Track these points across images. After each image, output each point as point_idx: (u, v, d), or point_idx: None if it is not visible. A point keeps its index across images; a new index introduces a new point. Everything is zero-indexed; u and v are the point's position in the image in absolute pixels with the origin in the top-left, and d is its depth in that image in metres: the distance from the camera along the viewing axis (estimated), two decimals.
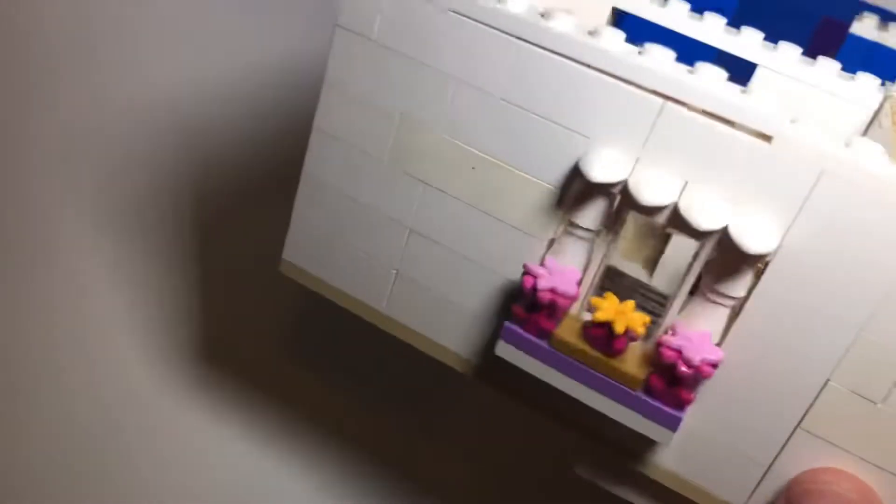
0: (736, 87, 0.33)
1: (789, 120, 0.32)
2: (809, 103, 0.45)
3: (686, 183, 0.34)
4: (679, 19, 0.47)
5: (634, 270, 0.46)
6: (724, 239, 0.34)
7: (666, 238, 0.46)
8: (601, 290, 0.43)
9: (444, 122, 0.38)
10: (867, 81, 0.45)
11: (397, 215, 0.40)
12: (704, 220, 0.32)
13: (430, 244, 0.40)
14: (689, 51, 0.73)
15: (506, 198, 0.38)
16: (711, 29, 0.47)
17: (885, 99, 0.43)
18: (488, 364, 0.41)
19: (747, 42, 0.46)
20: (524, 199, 0.37)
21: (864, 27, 0.65)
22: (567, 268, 0.37)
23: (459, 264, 0.40)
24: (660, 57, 0.34)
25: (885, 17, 0.72)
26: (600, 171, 0.34)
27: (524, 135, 0.36)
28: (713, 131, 0.33)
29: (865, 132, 0.45)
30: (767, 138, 0.32)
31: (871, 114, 0.43)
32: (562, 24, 0.35)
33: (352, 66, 0.39)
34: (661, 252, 0.45)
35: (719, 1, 0.70)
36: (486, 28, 0.35)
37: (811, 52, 0.83)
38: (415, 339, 0.43)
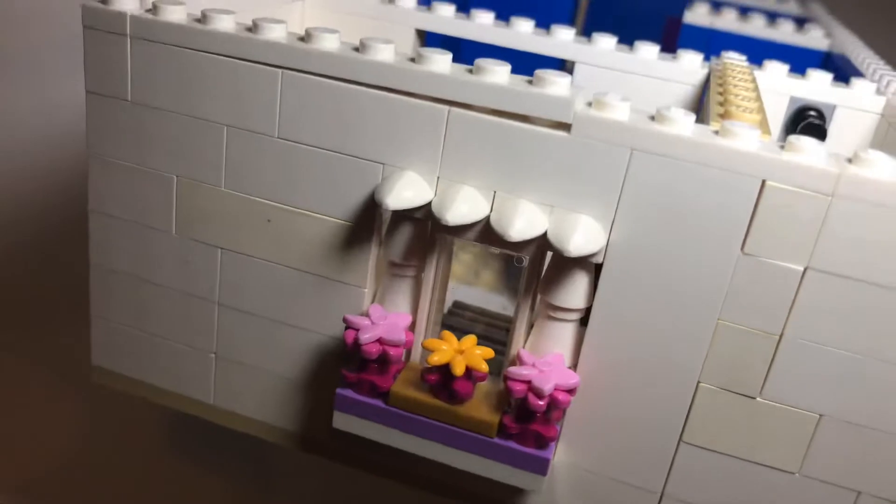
0: (522, 79, 0.29)
1: (586, 102, 0.29)
2: (630, 90, 0.42)
3: (494, 193, 0.30)
4: (487, 29, 0.44)
5: (482, 297, 0.42)
6: (546, 247, 0.30)
7: (506, 257, 0.42)
8: (447, 327, 0.39)
9: (224, 175, 0.33)
10: (689, 58, 0.42)
11: (200, 291, 0.35)
12: (515, 230, 0.28)
13: (243, 317, 0.35)
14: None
15: (311, 247, 0.33)
16: (522, 34, 0.44)
17: (710, 71, 0.41)
18: (332, 437, 0.36)
19: (560, 41, 0.43)
20: (332, 246, 0.33)
21: (696, 15, 0.64)
22: (394, 314, 0.33)
23: (279, 333, 0.35)
24: (438, 62, 0.30)
25: (716, 3, 0.72)
26: (394, 198, 0.29)
27: (313, 173, 0.32)
28: (507, 130, 0.29)
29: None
30: (566, 126, 0.29)
31: (695, 89, 0.41)
32: (326, 43, 0.31)
33: (113, 134, 0.34)
34: (502, 272, 0.41)
35: (554, 8, 0.69)
36: (245, 63, 0.31)
37: (664, 50, 0.82)
38: (250, 426, 0.37)
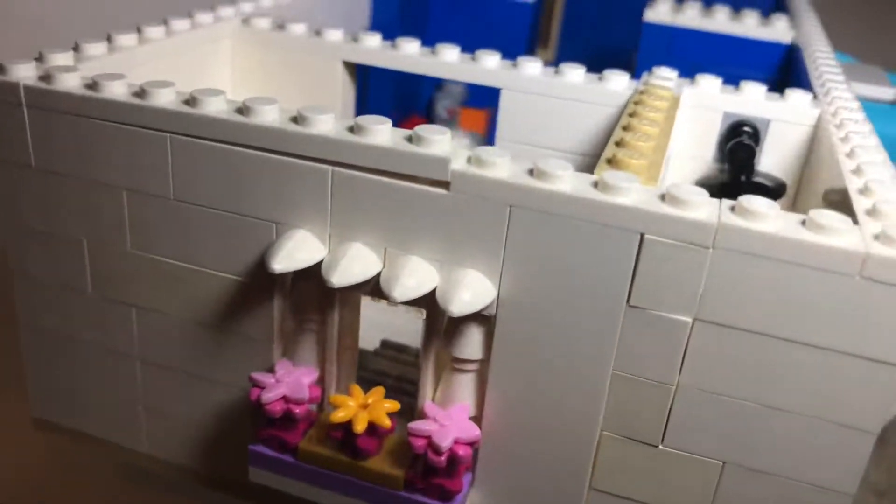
0: (402, 137, 0.29)
1: (466, 159, 0.29)
2: (557, 114, 0.41)
3: (385, 249, 0.30)
4: (414, 60, 0.44)
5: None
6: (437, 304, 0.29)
7: None
8: (368, 370, 0.39)
9: (129, 236, 0.33)
10: (616, 80, 0.41)
11: (121, 347, 0.36)
12: (399, 292, 0.28)
13: (162, 370, 0.36)
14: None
15: (217, 304, 0.33)
16: (450, 62, 0.43)
17: (634, 93, 0.40)
18: (256, 485, 0.36)
19: (487, 69, 0.42)
20: (236, 302, 0.33)
21: (658, 13, 0.63)
22: (301, 368, 0.33)
23: (196, 385, 0.35)
24: (320, 122, 0.30)
25: None
26: (281, 261, 0.29)
27: (211, 233, 0.32)
28: (390, 188, 0.29)
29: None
30: (445, 185, 0.28)
31: (620, 111, 0.40)
32: (211, 107, 0.31)
33: (21, 200, 0.34)
34: None
35: (514, 20, 0.68)
36: (136, 129, 0.31)
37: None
38: (183, 473, 0.38)
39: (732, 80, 0.46)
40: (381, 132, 0.29)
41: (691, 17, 0.61)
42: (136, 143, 0.31)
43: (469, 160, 0.28)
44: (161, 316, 0.34)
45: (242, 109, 0.30)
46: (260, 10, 0.48)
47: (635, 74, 0.47)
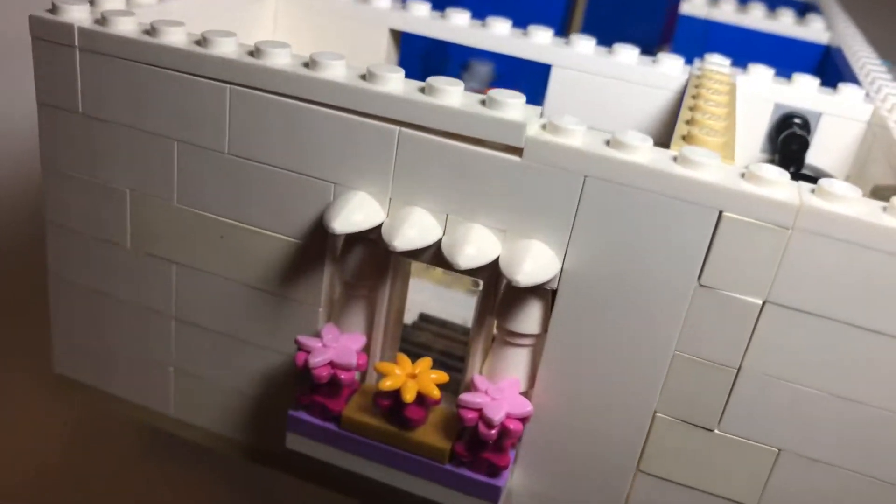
0: (475, 100, 0.28)
1: (540, 125, 0.28)
2: (609, 94, 0.41)
3: (447, 216, 0.29)
4: (462, 30, 0.43)
5: (461, 300, 0.41)
6: (500, 273, 0.29)
7: None
8: (410, 343, 0.39)
9: (176, 190, 0.32)
10: (670, 63, 0.41)
11: (157, 305, 0.35)
12: (463, 258, 0.28)
13: (200, 331, 0.35)
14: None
15: (264, 264, 0.32)
16: (499, 35, 0.42)
17: (689, 77, 0.39)
18: (288, 452, 0.35)
19: (537, 44, 0.42)
20: (285, 263, 0.32)
21: (693, 6, 0.62)
22: (348, 335, 0.32)
23: (235, 349, 0.34)
24: (389, 80, 0.29)
25: None
26: (341, 221, 0.28)
27: (264, 190, 0.31)
28: (459, 153, 0.28)
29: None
30: (518, 151, 0.28)
31: (675, 94, 0.39)
32: (276, 59, 0.30)
33: (66, 147, 0.33)
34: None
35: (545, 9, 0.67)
36: (194, 78, 0.30)
37: (663, 39, 0.80)
38: (210, 438, 0.37)
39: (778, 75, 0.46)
40: (454, 94, 0.28)
41: (727, 12, 0.61)
42: (193, 93, 0.30)
43: (544, 127, 0.28)
44: (203, 274, 0.33)
45: (309, 63, 0.29)
46: None
47: None
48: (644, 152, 0.27)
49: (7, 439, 0.44)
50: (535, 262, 0.28)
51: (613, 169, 0.27)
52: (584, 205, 0.27)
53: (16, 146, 0.72)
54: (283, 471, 0.37)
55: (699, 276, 0.27)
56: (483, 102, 0.28)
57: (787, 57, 0.61)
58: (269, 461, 0.37)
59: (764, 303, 0.27)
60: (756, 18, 0.61)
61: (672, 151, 0.27)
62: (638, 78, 0.41)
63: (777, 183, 0.26)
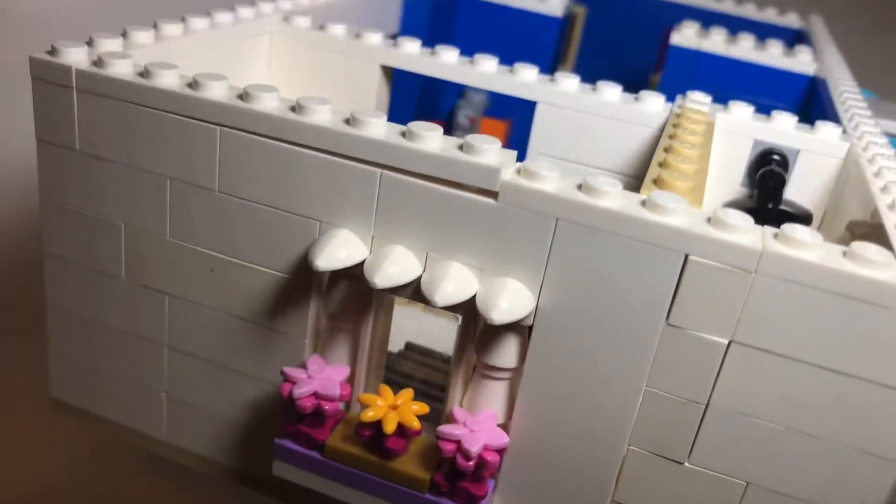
0: (453, 144, 0.30)
1: (515, 170, 0.29)
2: (592, 131, 0.42)
3: (427, 254, 0.30)
4: (451, 68, 0.44)
5: (448, 327, 0.42)
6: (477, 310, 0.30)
7: None
8: (394, 371, 0.40)
9: (168, 225, 0.34)
10: (651, 101, 0.42)
11: (150, 334, 0.36)
12: (441, 295, 0.29)
13: (191, 360, 0.36)
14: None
15: (253, 297, 0.34)
16: (485, 73, 0.44)
17: (669, 115, 0.41)
18: (276, 479, 0.36)
19: (523, 82, 0.43)
20: (273, 297, 0.33)
21: (683, 37, 0.63)
22: (332, 366, 0.33)
23: (225, 377, 0.35)
24: (372, 126, 0.30)
25: (707, 21, 0.72)
26: (324, 258, 0.30)
27: (252, 227, 0.32)
28: (437, 195, 0.29)
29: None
30: (493, 194, 0.29)
31: (656, 132, 0.41)
32: (264, 103, 0.31)
33: (63, 182, 0.35)
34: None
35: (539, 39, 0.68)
36: (186, 119, 0.32)
37: (660, 60, 0.81)
38: (201, 463, 0.38)
39: (758, 108, 0.47)
40: (433, 139, 0.29)
41: (717, 42, 0.62)
42: (185, 134, 0.32)
43: (518, 172, 0.29)
44: (194, 306, 0.35)
45: (295, 107, 0.30)
46: (299, 8, 0.49)
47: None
48: (613, 197, 0.28)
49: (7, 459, 0.45)
50: (509, 301, 0.29)
51: (584, 213, 0.28)
52: (557, 246, 0.28)
53: (20, 178, 0.73)
54: (272, 496, 0.38)
55: (667, 316, 0.28)
56: (461, 147, 0.29)
57: (774, 88, 0.62)
58: (259, 486, 0.38)
59: (730, 342, 0.28)
60: (744, 49, 0.62)
61: (641, 196, 0.28)
62: (620, 115, 0.42)
63: (740, 228, 0.27)
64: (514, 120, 0.69)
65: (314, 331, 0.33)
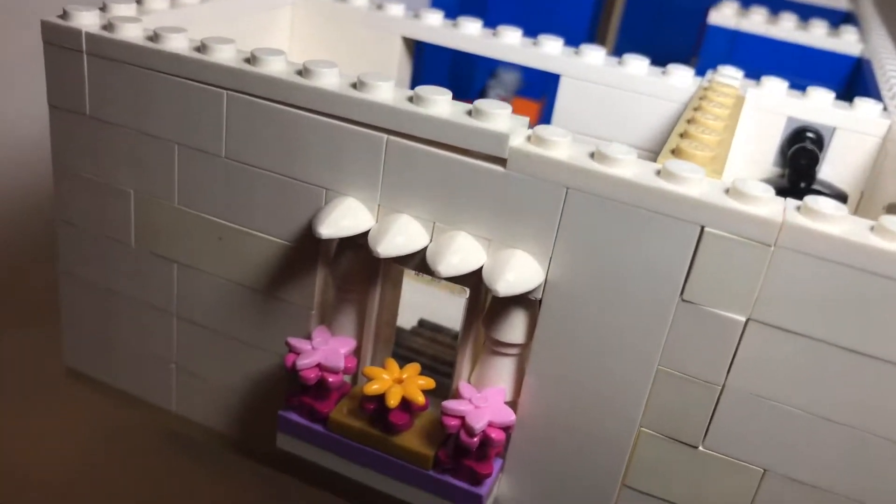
0: (462, 109, 0.28)
1: (525, 136, 0.28)
2: (617, 105, 0.40)
3: (434, 223, 0.30)
4: (473, 39, 0.43)
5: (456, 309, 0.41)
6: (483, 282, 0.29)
7: None
8: (404, 347, 0.39)
9: (177, 192, 0.33)
10: (679, 75, 0.40)
11: (159, 302, 0.36)
12: (445, 266, 0.28)
13: (199, 330, 0.35)
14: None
15: (260, 266, 0.33)
16: (509, 45, 0.42)
17: (697, 89, 0.39)
18: (285, 454, 0.36)
19: (547, 54, 0.42)
20: (279, 266, 0.33)
21: (722, 16, 0.61)
22: (338, 338, 0.32)
23: (233, 347, 0.35)
24: (379, 89, 0.29)
25: (748, 2, 0.69)
26: (328, 226, 0.29)
27: (259, 194, 0.32)
28: (445, 162, 0.28)
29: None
30: (502, 161, 0.28)
31: (683, 107, 0.39)
32: (271, 66, 0.30)
33: (74, 148, 0.34)
34: None
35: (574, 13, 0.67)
36: (193, 83, 0.31)
37: (698, 47, 0.79)
38: (209, 435, 0.38)
39: (796, 89, 0.45)
40: (441, 103, 0.28)
41: (757, 23, 0.60)
42: (192, 98, 0.31)
43: (529, 138, 0.28)
44: (202, 274, 0.34)
45: (302, 71, 0.30)
46: None
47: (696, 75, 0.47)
48: (627, 165, 0.27)
49: (22, 436, 0.45)
50: (515, 273, 0.28)
51: (595, 181, 0.26)
52: (567, 216, 0.27)
53: (35, 145, 0.74)
54: (281, 471, 0.37)
55: (682, 292, 0.27)
56: (469, 112, 0.28)
57: (817, 69, 0.59)
58: (269, 461, 0.37)
59: (747, 320, 0.27)
60: (786, 29, 0.59)
61: (656, 165, 0.27)
62: (647, 89, 0.40)
63: (760, 199, 0.26)
64: (546, 100, 0.67)
65: (321, 301, 0.33)
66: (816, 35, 0.59)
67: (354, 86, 0.29)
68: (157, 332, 0.36)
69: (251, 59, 0.30)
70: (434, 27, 0.43)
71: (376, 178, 0.29)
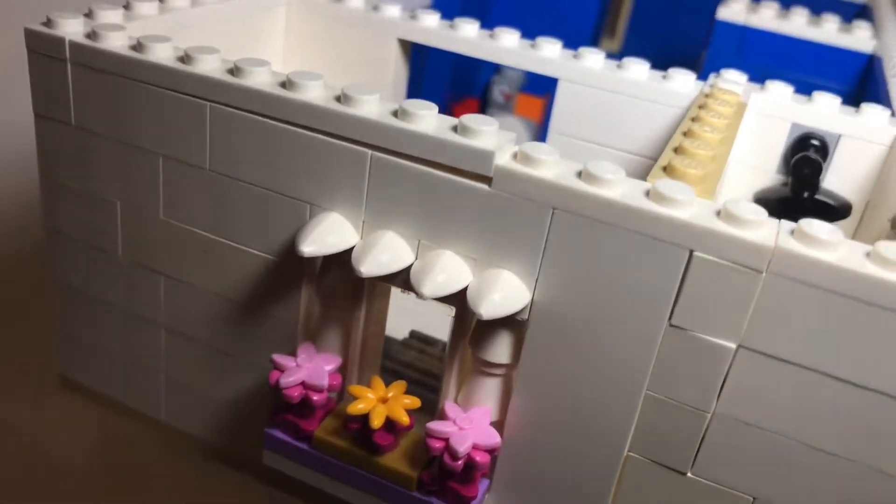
0: (447, 125, 0.28)
1: (511, 154, 0.27)
2: (616, 111, 0.39)
3: (419, 241, 0.29)
4: (471, 42, 0.42)
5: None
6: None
7: None
8: (393, 360, 0.38)
9: (162, 204, 0.33)
10: (680, 80, 0.39)
11: (147, 313, 0.35)
12: (428, 287, 0.27)
13: (187, 341, 0.35)
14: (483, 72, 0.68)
15: (245, 280, 0.32)
16: (508, 47, 0.41)
17: (699, 95, 0.38)
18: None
19: (545, 57, 0.41)
20: (264, 280, 0.32)
21: (731, 11, 0.60)
22: (323, 355, 0.32)
23: (220, 360, 0.35)
24: (364, 104, 0.28)
25: None
26: (310, 244, 0.28)
27: (244, 207, 0.31)
28: (429, 179, 0.28)
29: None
30: (487, 180, 0.27)
31: (684, 112, 0.38)
32: (254, 78, 0.29)
33: (60, 157, 0.34)
34: None
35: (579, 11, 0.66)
36: (176, 94, 0.30)
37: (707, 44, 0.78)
38: (197, 445, 0.37)
39: (805, 88, 0.43)
40: (426, 118, 0.27)
41: (767, 18, 0.59)
42: (176, 110, 0.31)
43: (515, 156, 0.27)
44: (188, 287, 0.34)
45: (286, 83, 0.29)
46: None
47: (703, 74, 0.45)
48: (615, 185, 0.26)
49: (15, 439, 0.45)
50: (501, 294, 0.27)
51: (582, 202, 0.26)
52: (553, 237, 0.26)
53: (24, 152, 0.73)
54: (266, 481, 0.37)
55: (670, 316, 0.26)
56: (455, 128, 0.27)
57: (828, 66, 0.58)
58: (253, 471, 0.37)
59: (738, 347, 0.26)
60: (797, 25, 0.58)
61: (646, 185, 0.26)
62: (647, 94, 0.39)
63: (753, 223, 0.25)
64: (552, 97, 0.66)
65: (306, 317, 0.32)
66: (828, 31, 0.57)
67: (339, 99, 0.29)
68: (147, 343, 0.36)
69: (234, 71, 0.30)
70: (430, 29, 0.42)
71: (360, 193, 0.29)
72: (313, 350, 0.32)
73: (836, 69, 0.57)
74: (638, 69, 0.40)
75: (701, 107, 0.35)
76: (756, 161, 0.40)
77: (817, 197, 0.37)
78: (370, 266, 0.28)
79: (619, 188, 0.26)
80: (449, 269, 0.28)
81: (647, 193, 0.26)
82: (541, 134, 0.67)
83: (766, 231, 0.25)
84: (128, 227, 0.34)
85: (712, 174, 0.29)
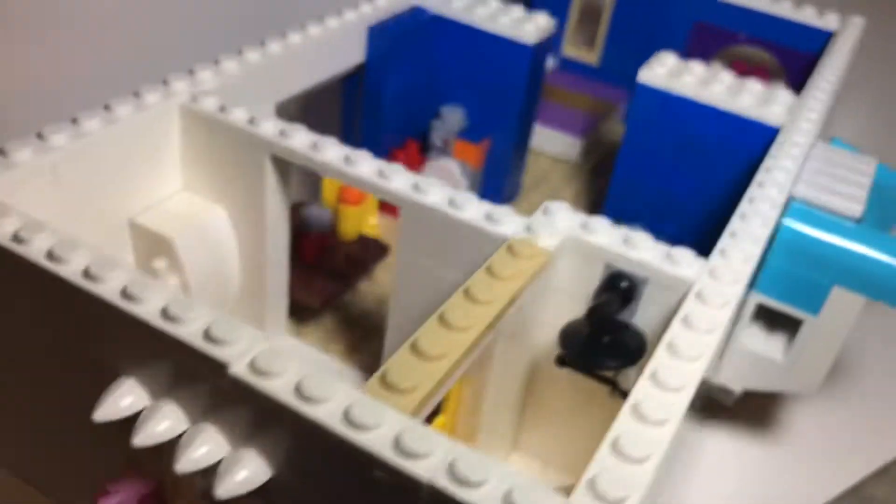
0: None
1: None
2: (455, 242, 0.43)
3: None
4: (329, 166, 0.45)
5: None
6: None
7: None
8: None
9: None
10: (508, 222, 0.41)
11: None
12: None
13: None
14: None
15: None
16: (358, 174, 0.44)
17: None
18: None
19: (391, 188, 0.43)
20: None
21: (654, 75, 0.60)
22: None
23: None
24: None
25: (733, 20, 0.69)
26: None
27: None
28: None
29: None
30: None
31: None
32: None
33: None
34: None
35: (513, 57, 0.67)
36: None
37: (687, 55, 0.78)
38: None
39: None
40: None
41: (688, 84, 0.59)
42: None
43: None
44: None
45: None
46: (216, 79, 0.50)
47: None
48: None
49: None
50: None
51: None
52: None
53: None
54: None
55: None
56: None
57: (741, 138, 0.58)
58: None
59: None
60: (716, 94, 0.58)
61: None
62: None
63: None
64: (491, 141, 0.68)
65: None
66: (744, 103, 0.58)
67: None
68: None
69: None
70: (295, 149, 0.45)
71: None
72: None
73: (748, 141, 0.57)
74: (474, 208, 0.42)
75: (488, 268, 0.38)
76: (576, 290, 0.42)
77: (618, 337, 0.40)
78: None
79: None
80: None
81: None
82: (481, 177, 0.70)
83: None
84: None
85: (430, 393, 0.31)
